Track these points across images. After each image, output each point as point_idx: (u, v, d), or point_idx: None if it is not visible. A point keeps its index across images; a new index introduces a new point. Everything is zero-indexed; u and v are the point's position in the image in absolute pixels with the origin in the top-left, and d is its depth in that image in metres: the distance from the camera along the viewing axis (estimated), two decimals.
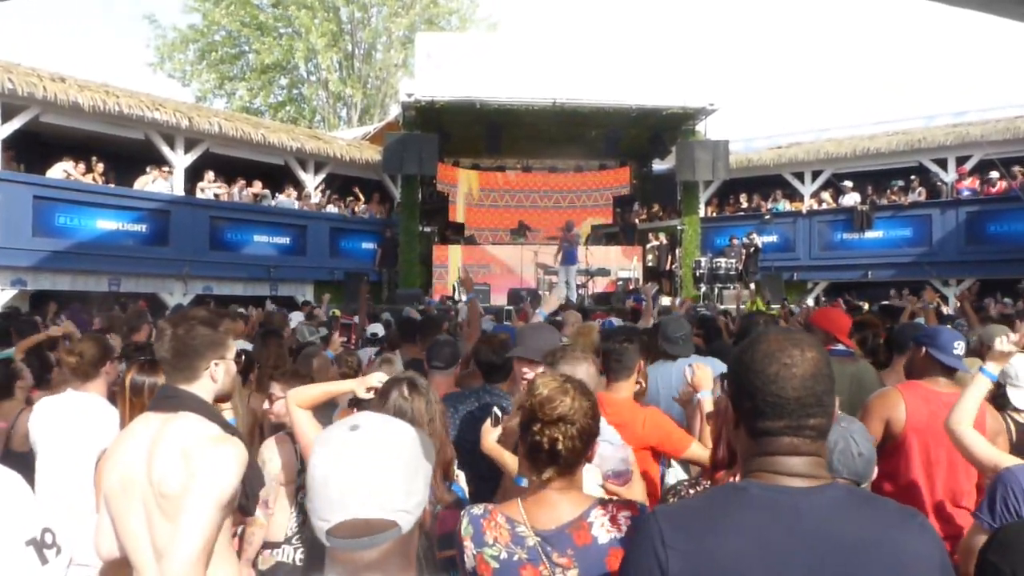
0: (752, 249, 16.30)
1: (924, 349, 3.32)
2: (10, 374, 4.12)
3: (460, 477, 2.63)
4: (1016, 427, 3.26)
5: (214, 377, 2.31)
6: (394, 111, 25.52)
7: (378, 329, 8.15)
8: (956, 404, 2.80)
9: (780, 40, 69.92)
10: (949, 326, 4.15)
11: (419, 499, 1.16)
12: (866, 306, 10.57)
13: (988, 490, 2.36)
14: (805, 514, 1.24)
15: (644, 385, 3.39)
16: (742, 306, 11.34)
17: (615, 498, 1.99)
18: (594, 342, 4.41)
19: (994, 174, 15.64)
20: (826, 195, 17.93)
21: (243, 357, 4.70)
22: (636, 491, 2.16)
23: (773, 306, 12.48)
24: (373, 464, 1.11)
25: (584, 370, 2.64)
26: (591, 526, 1.73)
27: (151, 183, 14.21)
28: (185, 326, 2.29)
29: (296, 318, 9.16)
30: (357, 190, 18.57)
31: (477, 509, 1.84)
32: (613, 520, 1.74)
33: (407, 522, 1.13)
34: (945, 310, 11.50)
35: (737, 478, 2.14)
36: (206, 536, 2.01)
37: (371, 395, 2.56)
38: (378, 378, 2.60)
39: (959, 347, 3.23)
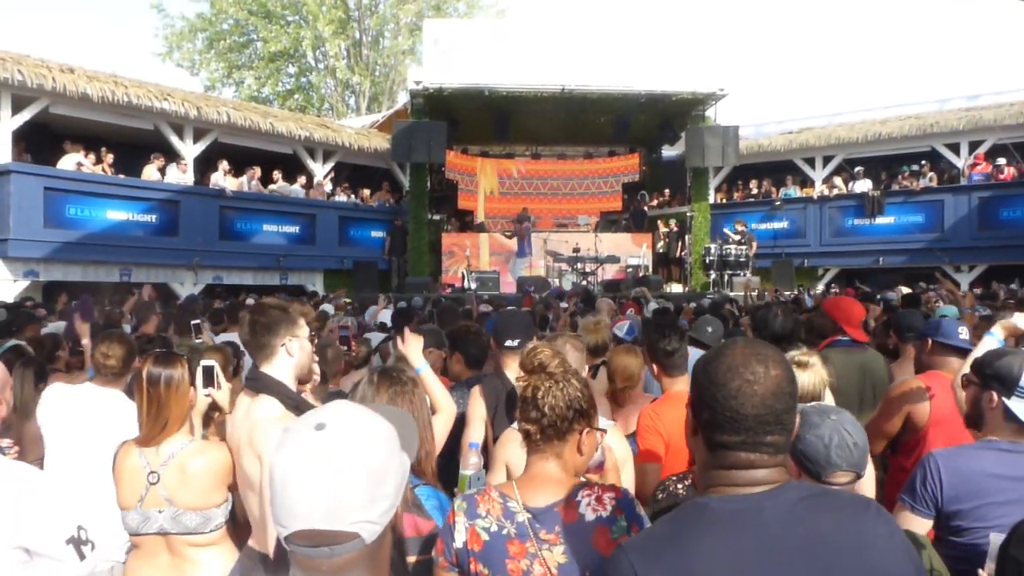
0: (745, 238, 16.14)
1: (930, 341, 3.34)
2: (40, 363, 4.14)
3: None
4: None
5: (290, 351, 2.50)
6: (402, 99, 25.49)
7: (387, 318, 8.15)
8: (961, 367, 2.83)
9: (790, 24, 69.32)
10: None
11: (387, 505, 1.09)
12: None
13: (912, 472, 2.39)
14: (768, 519, 1.25)
15: None
16: (752, 294, 11.29)
17: (600, 481, 2.02)
18: (604, 340, 4.42)
19: (1001, 160, 15.49)
20: (837, 180, 17.80)
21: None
22: (610, 479, 2.22)
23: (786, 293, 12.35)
24: (334, 475, 1.03)
25: (573, 358, 2.67)
26: (579, 504, 1.78)
27: (157, 172, 14.27)
28: (259, 310, 2.56)
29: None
30: (367, 192, 18.55)
31: (472, 490, 1.90)
32: (599, 500, 1.78)
33: (371, 532, 1.07)
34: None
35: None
36: None
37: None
38: None
39: (964, 332, 3.25)
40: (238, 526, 3.02)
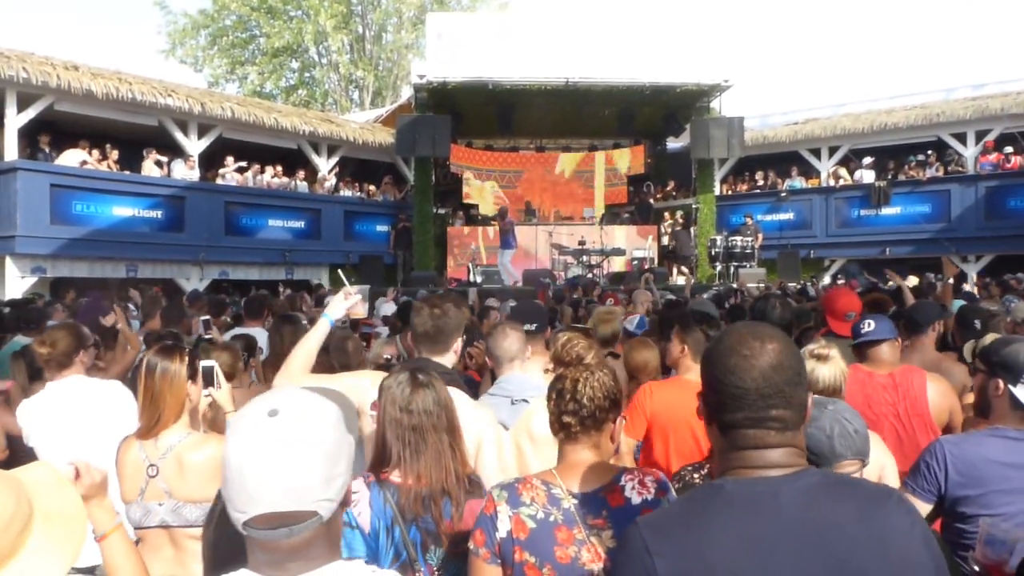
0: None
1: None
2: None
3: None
4: None
5: (456, 351, 2.82)
6: (406, 93, 25.44)
7: (389, 311, 8.13)
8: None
9: (795, 14, 68.94)
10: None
11: (341, 483, 1.14)
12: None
13: (918, 457, 2.42)
14: (784, 503, 1.24)
15: None
16: (751, 285, 11.25)
17: (637, 468, 2.03)
18: (616, 330, 4.46)
19: (1008, 149, 15.40)
20: (843, 171, 17.72)
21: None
22: (626, 462, 2.21)
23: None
24: (292, 457, 1.08)
25: (513, 340, 2.77)
26: (623, 489, 1.78)
27: (155, 167, 14.28)
28: (441, 308, 2.76)
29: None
30: (372, 186, 18.50)
31: (508, 481, 1.88)
32: (642, 483, 1.80)
33: (328, 510, 1.11)
34: (964, 287, 11.37)
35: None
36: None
37: (356, 299, 2.83)
38: (346, 291, 2.84)
39: (868, 324, 3.33)
40: None
